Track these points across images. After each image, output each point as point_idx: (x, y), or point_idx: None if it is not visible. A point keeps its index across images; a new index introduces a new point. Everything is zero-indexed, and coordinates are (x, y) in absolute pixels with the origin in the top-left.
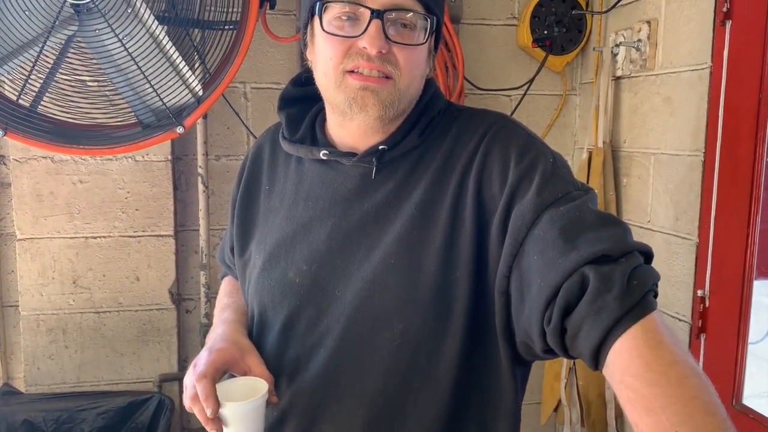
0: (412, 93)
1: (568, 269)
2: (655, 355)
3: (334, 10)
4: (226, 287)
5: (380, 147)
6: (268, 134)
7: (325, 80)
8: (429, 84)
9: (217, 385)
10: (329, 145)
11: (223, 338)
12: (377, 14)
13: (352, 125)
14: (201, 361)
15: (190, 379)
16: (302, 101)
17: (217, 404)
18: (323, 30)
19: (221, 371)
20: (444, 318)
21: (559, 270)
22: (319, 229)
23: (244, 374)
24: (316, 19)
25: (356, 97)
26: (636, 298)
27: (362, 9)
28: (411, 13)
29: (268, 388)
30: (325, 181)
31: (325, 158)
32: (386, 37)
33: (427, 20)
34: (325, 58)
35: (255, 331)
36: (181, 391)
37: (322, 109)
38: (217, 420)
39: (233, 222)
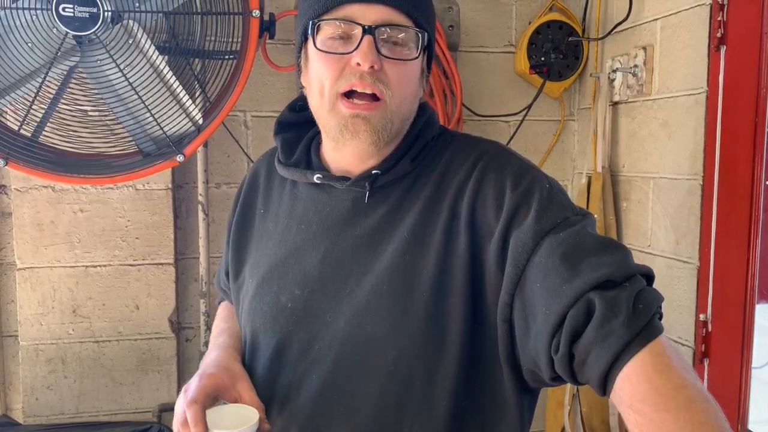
0: (404, 113)
1: (573, 296)
2: (664, 379)
3: (326, 31)
4: (222, 312)
5: (373, 172)
6: (264, 158)
7: (319, 102)
8: (424, 109)
9: (207, 411)
10: (324, 168)
11: (216, 364)
12: (369, 30)
13: (346, 150)
14: (191, 386)
15: (180, 405)
16: (298, 126)
17: (206, 431)
18: (317, 48)
19: (212, 397)
20: (438, 345)
21: (564, 297)
22: (312, 254)
23: (235, 401)
24: (310, 41)
25: (347, 124)
26: (642, 322)
27: (354, 26)
28: (402, 31)
29: (259, 417)
30: (318, 204)
31: (318, 182)
32: (379, 53)
33: (418, 36)
34: (319, 78)
35: (247, 355)
36: None
37: (318, 133)
38: None
39: (229, 246)
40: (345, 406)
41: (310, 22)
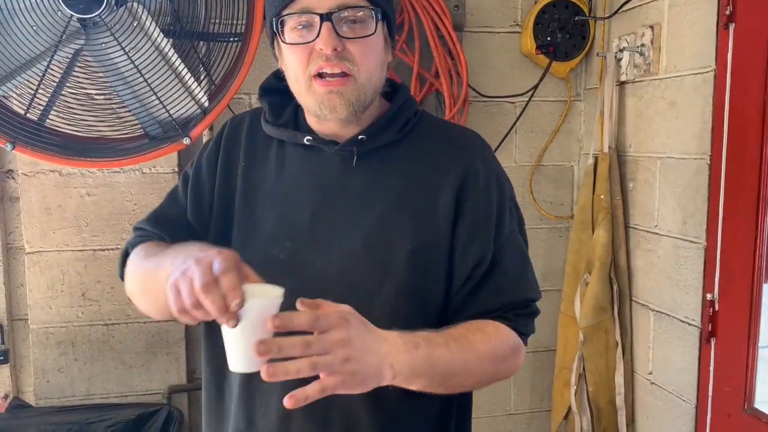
0: (375, 83)
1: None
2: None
3: (290, 23)
4: (150, 248)
5: (360, 137)
6: (246, 116)
7: (297, 86)
8: (403, 89)
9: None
10: (311, 131)
11: (208, 247)
12: (326, 17)
13: (328, 122)
14: (216, 257)
15: (194, 271)
16: (281, 92)
17: (243, 297)
18: (285, 42)
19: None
20: (419, 288)
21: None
22: (303, 210)
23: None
24: (278, 35)
25: (324, 101)
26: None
27: (313, 15)
28: (357, 10)
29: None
30: (308, 165)
31: (308, 143)
32: (339, 36)
33: (372, 11)
34: (292, 66)
35: None
36: (190, 403)
37: None
38: (234, 315)
39: (211, 194)
40: None
41: (274, 19)
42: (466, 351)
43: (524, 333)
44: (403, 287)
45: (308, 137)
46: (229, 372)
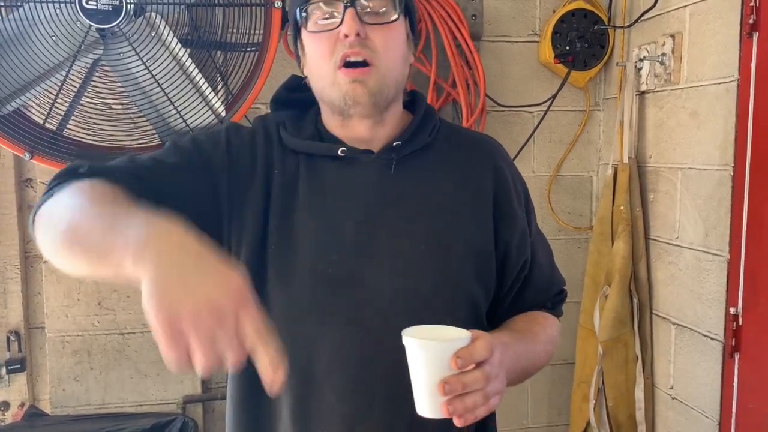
0: (397, 76)
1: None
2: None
3: (314, 15)
4: (105, 193)
5: (395, 144)
6: (271, 122)
7: (321, 82)
8: (420, 95)
9: (413, 329)
10: (340, 142)
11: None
12: (350, 3)
13: (352, 123)
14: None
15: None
16: (293, 105)
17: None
18: (308, 31)
19: None
20: (484, 291)
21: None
22: (345, 221)
23: None
24: (303, 30)
25: (348, 91)
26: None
27: (336, 4)
28: (382, 2)
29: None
30: (343, 176)
31: (343, 155)
32: (363, 22)
33: (395, 2)
34: (316, 57)
35: (283, 322)
36: (205, 413)
37: (319, 114)
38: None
39: (234, 178)
40: (392, 361)
41: (297, 10)
42: (534, 343)
43: (559, 316)
44: (462, 292)
45: (343, 148)
46: (272, 399)
